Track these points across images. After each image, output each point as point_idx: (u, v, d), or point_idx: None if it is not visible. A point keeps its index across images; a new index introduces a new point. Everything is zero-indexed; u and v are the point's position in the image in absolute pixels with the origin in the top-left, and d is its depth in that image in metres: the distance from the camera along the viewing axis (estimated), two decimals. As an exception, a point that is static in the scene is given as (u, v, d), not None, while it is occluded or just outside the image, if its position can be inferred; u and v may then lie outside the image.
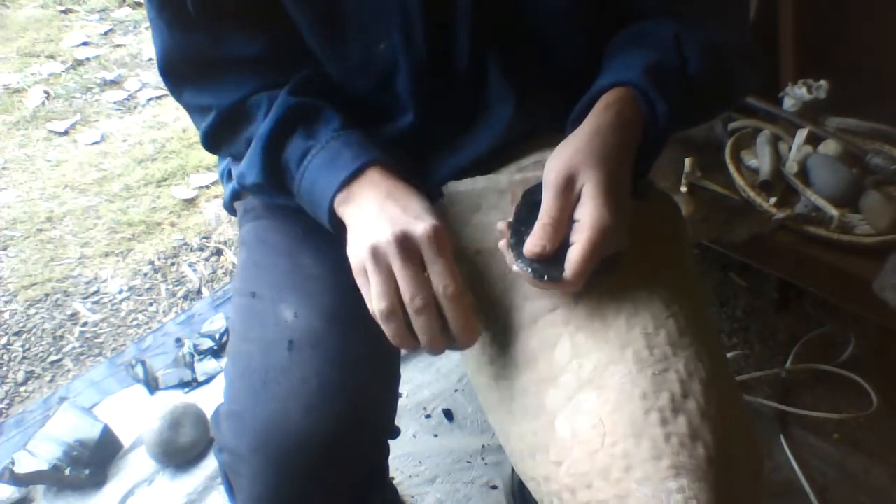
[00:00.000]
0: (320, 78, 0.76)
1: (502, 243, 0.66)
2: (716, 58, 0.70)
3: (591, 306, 0.64)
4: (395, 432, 0.80)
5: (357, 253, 0.63)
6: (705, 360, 0.62)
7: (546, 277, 0.61)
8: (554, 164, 0.62)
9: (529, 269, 0.62)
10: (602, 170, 0.61)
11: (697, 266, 1.60)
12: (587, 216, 0.60)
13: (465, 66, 0.73)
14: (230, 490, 0.75)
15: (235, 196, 0.89)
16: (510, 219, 0.67)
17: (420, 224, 0.62)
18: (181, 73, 0.77)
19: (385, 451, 0.80)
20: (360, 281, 0.63)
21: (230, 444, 0.71)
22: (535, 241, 0.61)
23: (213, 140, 0.79)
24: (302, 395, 0.69)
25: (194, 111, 0.80)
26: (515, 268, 0.63)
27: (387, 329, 0.62)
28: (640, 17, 0.73)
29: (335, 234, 0.69)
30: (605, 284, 0.64)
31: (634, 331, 0.62)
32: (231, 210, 0.93)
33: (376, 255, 0.61)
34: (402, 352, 0.67)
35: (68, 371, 1.53)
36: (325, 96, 0.74)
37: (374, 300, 0.61)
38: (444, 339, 0.62)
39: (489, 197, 0.73)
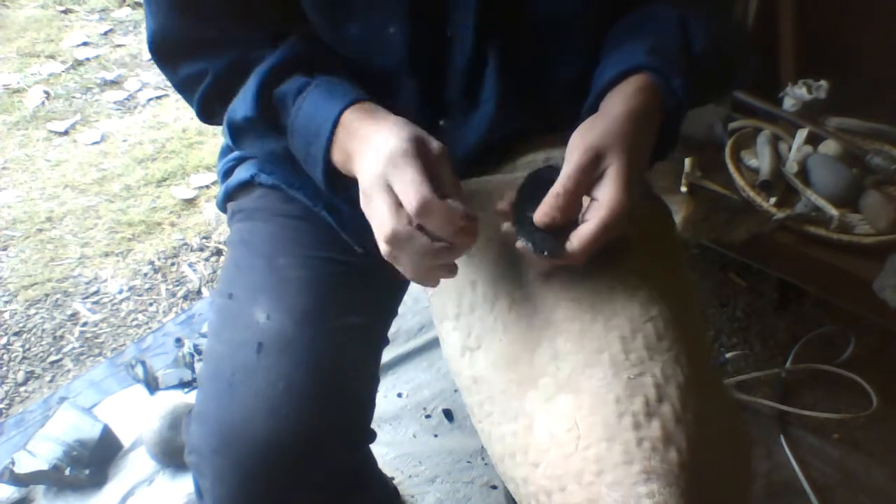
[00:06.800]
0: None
1: (506, 225, 0.65)
2: (720, 39, 0.70)
3: (571, 310, 0.64)
4: (370, 436, 0.79)
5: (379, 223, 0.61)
6: (685, 365, 0.61)
7: (546, 252, 0.60)
8: (581, 141, 0.61)
9: (530, 244, 0.61)
10: (630, 155, 0.60)
11: (697, 266, 1.61)
12: (608, 197, 0.59)
13: (466, 57, 0.72)
14: (198, 491, 0.75)
15: (228, 197, 0.89)
16: (511, 200, 0.66)
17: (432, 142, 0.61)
18: (176, 51, 0.74)
19: (362, 455, 0.79)
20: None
21: (196, 445, 0.71)
22: (545, 211, 0.60)
23: (209, 103, 0.75)
24: (267, 398, 0.68)
25: (189, 84, 0.76)
26: (519, 244, 0.62)
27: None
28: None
29: (327, 174, 0.67)
30: (586, 287, 0.64)
31: (612, 335, 0.62)
32: (224, 209, 0.92)
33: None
34: (386, 355, 0.66)
35: (68, 371, 1.53)
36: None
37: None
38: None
39: (479, 198, 0.73)
